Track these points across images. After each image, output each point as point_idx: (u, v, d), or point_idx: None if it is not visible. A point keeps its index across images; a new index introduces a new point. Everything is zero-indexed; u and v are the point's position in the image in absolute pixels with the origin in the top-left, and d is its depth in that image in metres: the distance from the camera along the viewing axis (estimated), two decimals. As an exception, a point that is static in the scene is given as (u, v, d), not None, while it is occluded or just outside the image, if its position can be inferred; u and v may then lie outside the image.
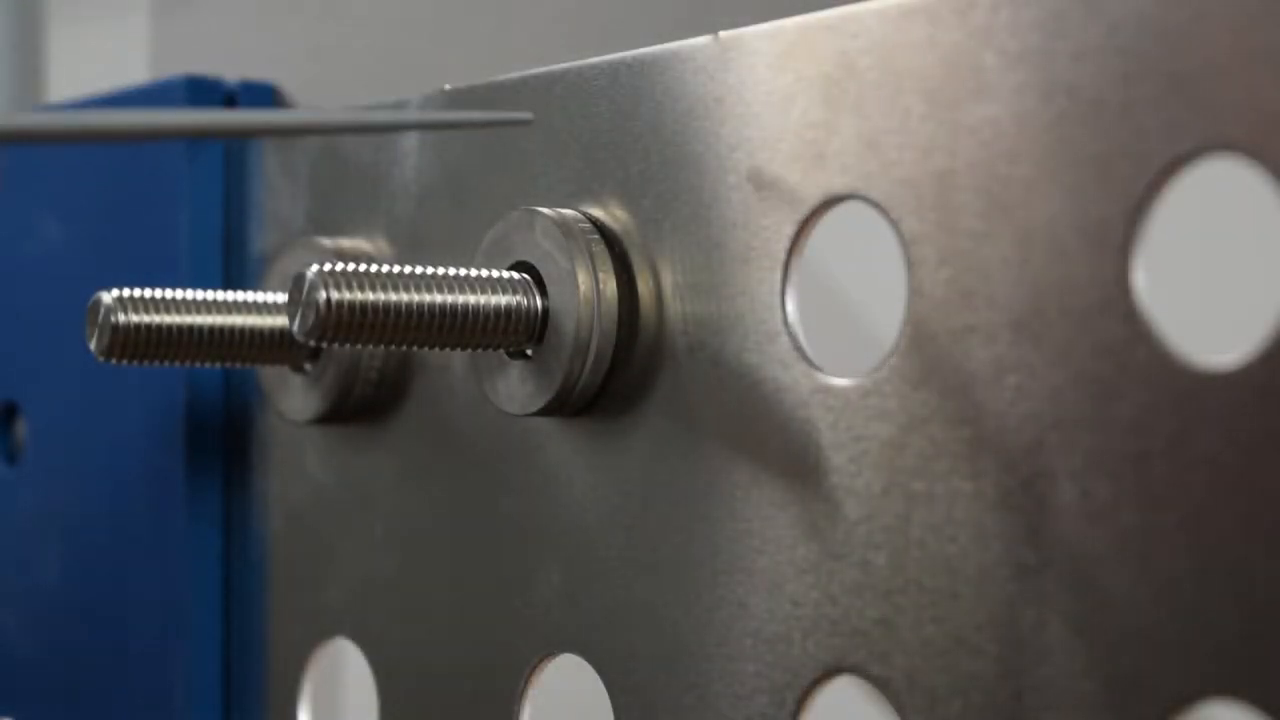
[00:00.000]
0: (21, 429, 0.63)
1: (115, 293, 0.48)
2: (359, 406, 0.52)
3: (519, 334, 0.44)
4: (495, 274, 0.44)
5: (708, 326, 0.43)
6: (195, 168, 0.57)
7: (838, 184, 0.40)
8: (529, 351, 0.45)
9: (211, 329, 0.49)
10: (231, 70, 0.58)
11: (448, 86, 0.50)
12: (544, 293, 0.44)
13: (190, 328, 0.49)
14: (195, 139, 0.53)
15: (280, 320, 0.50)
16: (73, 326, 0.49)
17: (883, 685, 0.39)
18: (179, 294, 0.49)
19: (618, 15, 0.51)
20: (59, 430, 0.61)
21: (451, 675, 0.49)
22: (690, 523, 0.43)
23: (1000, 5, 0.37)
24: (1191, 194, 0.36)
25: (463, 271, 0.44)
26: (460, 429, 0.49)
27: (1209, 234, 0.53)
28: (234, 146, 0.57)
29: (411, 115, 0.46)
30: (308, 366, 0.52)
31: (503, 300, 0.44)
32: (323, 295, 0.42)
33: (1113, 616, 0.35)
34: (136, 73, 0.68)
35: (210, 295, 0.50)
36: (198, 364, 0.50)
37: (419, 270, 0.43)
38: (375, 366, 0.51)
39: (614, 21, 0.51)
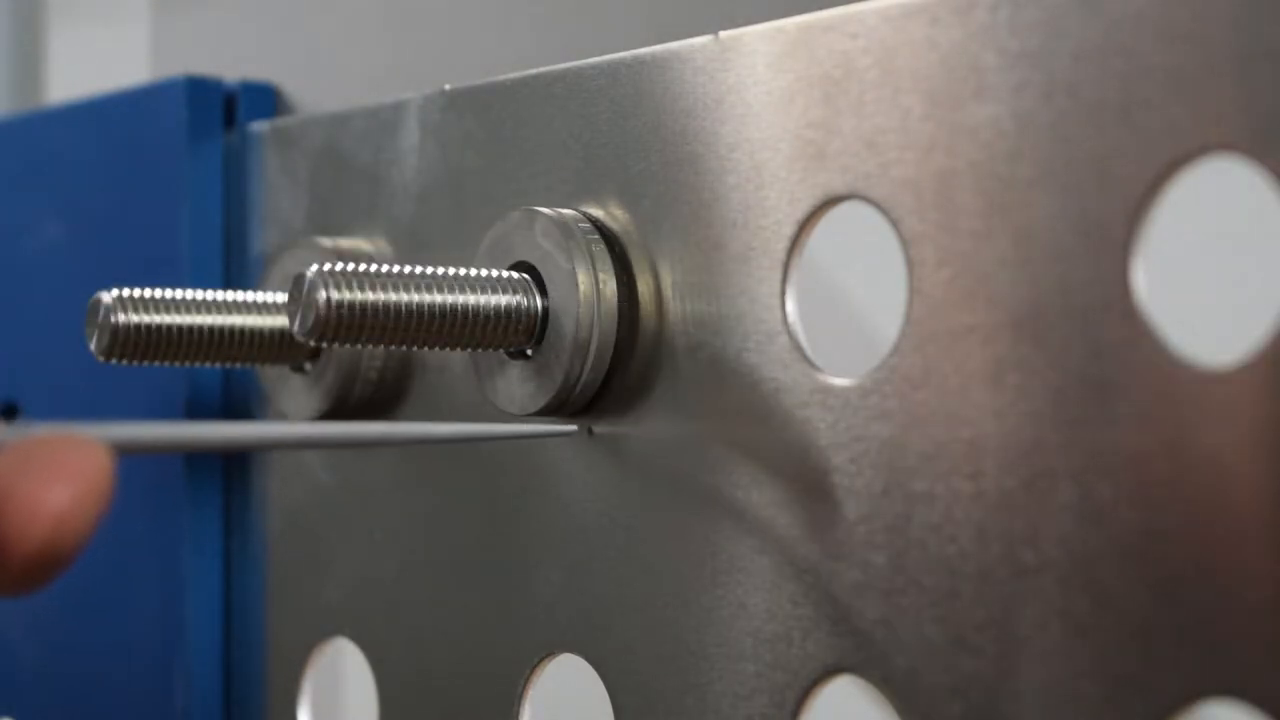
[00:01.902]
0: (21, 429, 0.63)
1: (115, 293, 0.48)
2: (359, 406, 0.51)
3: (519, 334, 0.44)
4: (495, 274, 0.44)
5: (708, 326, 0.43)
6: (195, 168, 0.57)
7: (838, 184, 0.40)
8: (529, 351, 0.45)
9: (211, 329, 0.49)
10: (231, 70, 0.58)
11: (448, 86, 0.50)
12: (544, 293, 0.44)
13: (190, 328, 0.49)
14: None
15: (280, 320, 0.50)
16: (73, 326, 0.49)
17: (883, 685, 0.39)
18: (179, 294, 0.49)
19: (618, 15, 0.51)
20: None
21: (451, 675, 0.49)
22: (690, 523, 0.43)
23: (1000, 5, 0.37)
24: (1191, 194, 0.36)
25: (463, 271, 0.44)
26: (460, 429, 0.49)
27: (1209, 234, 0.53)
28: (234, 146, 0.57)
29: (491, 428, 0.46)
30: (308, 366, 0.52)
31: (503, 300, 0.44)
32: (323, 295, 0.42)
33: (1113, 616, 0.35)
34: (136, 73, 0.68)
35: (210, 295, 0.50)
36: (198, 364, 0.50)
37: (419, 270, 0.43)
38: (375, 366, 0.51)
39: (614, 21, 0.51)
